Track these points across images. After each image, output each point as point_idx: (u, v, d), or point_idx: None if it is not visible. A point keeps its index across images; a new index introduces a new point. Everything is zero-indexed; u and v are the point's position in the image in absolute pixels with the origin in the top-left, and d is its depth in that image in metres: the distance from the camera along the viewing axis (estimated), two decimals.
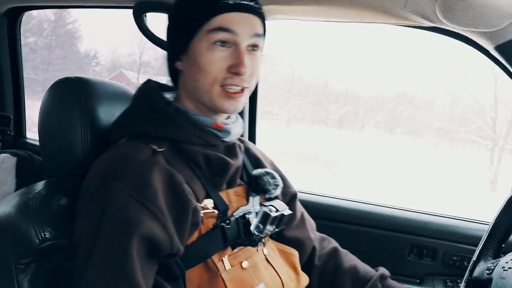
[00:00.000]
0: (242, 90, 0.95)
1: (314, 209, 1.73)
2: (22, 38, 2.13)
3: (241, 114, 1.70)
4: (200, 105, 0.98)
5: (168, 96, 1.02)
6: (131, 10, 1.44)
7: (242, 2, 0.92)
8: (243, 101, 0.98)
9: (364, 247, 1.67)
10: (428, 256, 1.60)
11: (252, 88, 1.00)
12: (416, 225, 1.61)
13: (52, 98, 1.03)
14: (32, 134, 2.23)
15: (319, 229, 1.73)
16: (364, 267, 1.19)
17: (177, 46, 0.97)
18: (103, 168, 0.87)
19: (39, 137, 1.05)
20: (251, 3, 0.94)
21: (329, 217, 1.71)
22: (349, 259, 1.22)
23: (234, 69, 0.92)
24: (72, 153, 1.00)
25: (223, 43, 0.92)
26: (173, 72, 1.02)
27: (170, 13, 1.00)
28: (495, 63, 1.24)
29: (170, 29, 1.00)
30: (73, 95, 1.01)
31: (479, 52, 1.27)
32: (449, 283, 1.54)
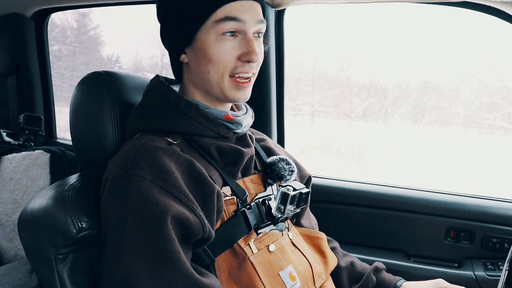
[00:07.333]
0: (249, 79, 0.97)
1: (341, 195, 1.72)
2: None
3: (268, 110, 1.69)
4: (209, 97, 0.99)
5: (176, 90, 1.03)
6: (153, 7, 1.45)
7: None
8: (250, 89, 1.00)
9: (398, 233, 1.64)
10: (465, 239, 1.56)
11: (256, 75, 1.00)
12: (451, 207, 1.57)
13: (82, 93, 1.04)
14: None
15: (350, 215, 1.71)
16: (361, 264, 1.21)
17: (181, 39, 0.97)
18: (122, 160, 0.86)
19: (70, 132, 1.07)
20: None
21: (359, 202, 1.69)
22: (347, 257, 1.24)
23: (246, 57, 0.92)
24: (103, 146, 1.01)
25: (232, 32, 0.92)
26: (177, 66, 1.02)
27: (171, 6, 0.97)
28: None
29: (172, 22, 0.98)
30: (102, 89, 1.02)
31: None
32: (489, 266, 1.50)
